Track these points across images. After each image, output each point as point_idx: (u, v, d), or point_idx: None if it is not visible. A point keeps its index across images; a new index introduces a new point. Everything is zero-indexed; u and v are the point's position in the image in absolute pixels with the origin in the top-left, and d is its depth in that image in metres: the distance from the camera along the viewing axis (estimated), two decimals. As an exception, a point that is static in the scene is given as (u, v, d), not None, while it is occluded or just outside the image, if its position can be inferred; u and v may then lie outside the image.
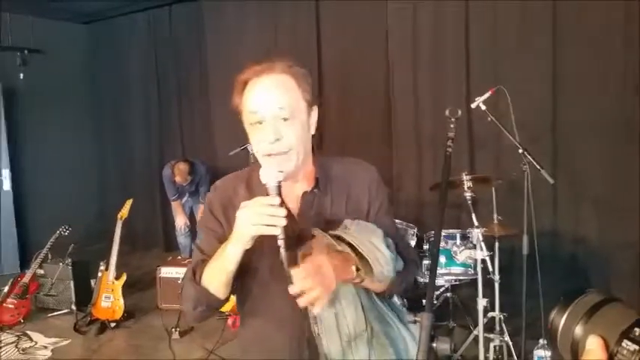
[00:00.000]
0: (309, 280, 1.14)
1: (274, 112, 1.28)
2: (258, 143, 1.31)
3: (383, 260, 1.23)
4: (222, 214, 1.40)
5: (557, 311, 0.75)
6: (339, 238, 1.26)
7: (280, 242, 1.18)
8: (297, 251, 1.23)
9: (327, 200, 1.39)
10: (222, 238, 1.33)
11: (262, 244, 1.25)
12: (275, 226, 1.17)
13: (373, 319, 1.30)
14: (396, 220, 3.78)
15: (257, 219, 1.18)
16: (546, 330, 0.78)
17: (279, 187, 1.22)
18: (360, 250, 1.22)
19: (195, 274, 1.34)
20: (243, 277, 1.33)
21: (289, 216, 1.21)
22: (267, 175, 1.23)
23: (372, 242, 1.25)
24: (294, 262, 1.20)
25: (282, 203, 1.21)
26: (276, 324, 1.35)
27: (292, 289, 1.15)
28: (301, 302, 1.15)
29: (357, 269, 1.23)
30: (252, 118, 1.31)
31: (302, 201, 1.38)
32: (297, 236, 1.27)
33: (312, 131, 1.39)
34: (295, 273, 1.15)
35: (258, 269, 1.34)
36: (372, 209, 1.43)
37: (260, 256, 1.30)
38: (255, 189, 1.37)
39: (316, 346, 1.27)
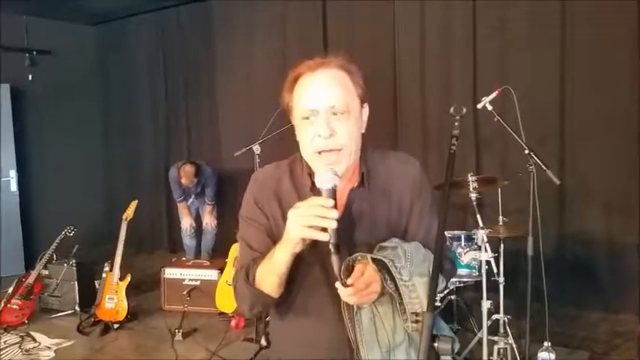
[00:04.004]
0: (354, 298, 1.16)
1: (328, 106, 1.25)
2: (310, 139, 1.27)
3: (421, 298, 1.19)
4: (268, 207, 1.36)
5: None
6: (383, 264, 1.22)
7: (331, 247, 1.13)
8: (346, 256, 1.20)
9: (372, 197, 1.36)
10: (270, 232, 1.33)
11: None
12: (326, 229, 1.12)
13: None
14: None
15: (307, 220, 1.12)
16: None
17: (334, 191, 1.17)
18: (401, 293, 1.19)
19: (248, 274, 1.30)
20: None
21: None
22: (323, 179, 1.19)
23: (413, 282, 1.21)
24: (346, 269, 1.18)
25: (336, 205, 1.15)
26: (317, 319, 1.32)
27: (342, 294, 1.16)
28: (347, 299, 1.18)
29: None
30: (304, 112, 1.27)
31: (347, 198, 1.35)
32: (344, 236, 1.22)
33: (363, 129, 1.36)
34: (344, 291, 1.15)
35: (301, 264, 1.29)
36: (416, 207, 1.39)
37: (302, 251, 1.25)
38: (299, 180, 1.36)
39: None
